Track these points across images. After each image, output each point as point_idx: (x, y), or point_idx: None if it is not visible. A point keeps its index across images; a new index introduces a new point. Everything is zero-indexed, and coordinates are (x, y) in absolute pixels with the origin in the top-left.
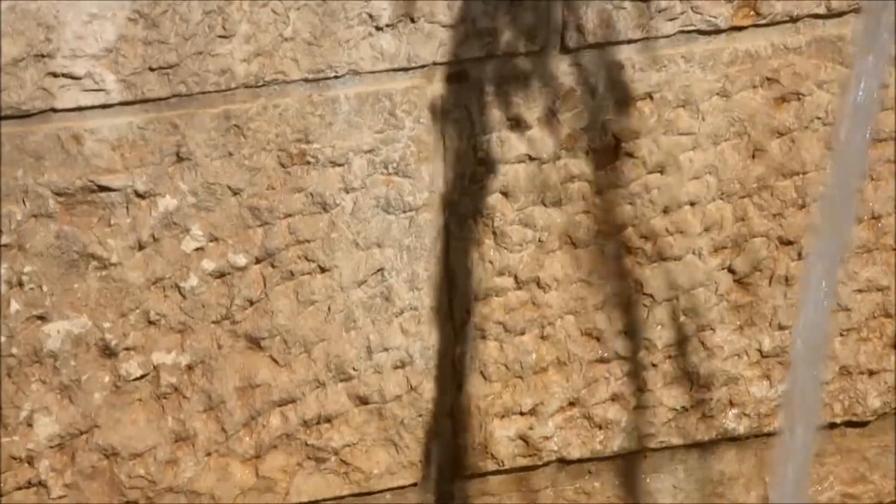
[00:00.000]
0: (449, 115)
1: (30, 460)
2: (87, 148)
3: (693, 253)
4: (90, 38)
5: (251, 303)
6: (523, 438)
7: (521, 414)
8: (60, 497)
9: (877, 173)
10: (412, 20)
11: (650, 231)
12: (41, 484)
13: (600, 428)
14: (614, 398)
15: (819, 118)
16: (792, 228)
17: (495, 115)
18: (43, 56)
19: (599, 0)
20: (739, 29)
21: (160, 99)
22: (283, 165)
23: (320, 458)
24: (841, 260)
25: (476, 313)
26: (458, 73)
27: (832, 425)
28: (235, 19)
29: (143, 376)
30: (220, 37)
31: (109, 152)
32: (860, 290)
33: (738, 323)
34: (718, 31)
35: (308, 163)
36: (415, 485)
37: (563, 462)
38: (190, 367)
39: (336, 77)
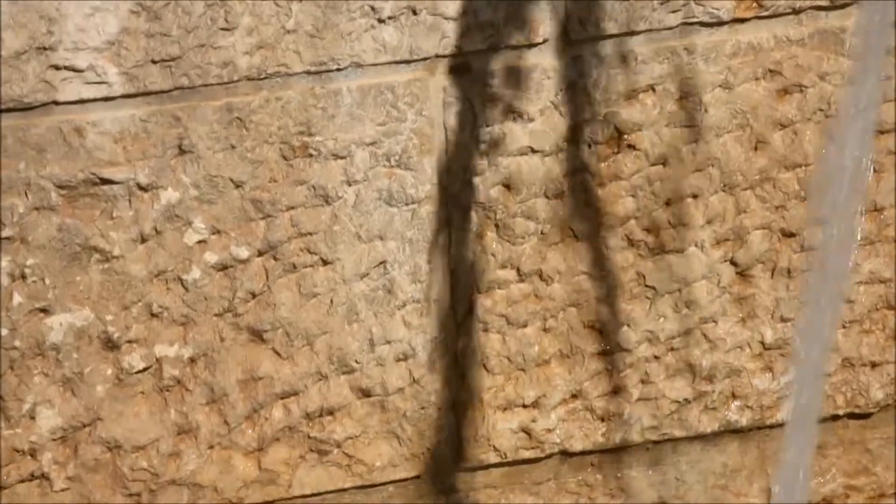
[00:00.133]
0: (451, 107)
1: (32, 453)
2: (89, 140)
3: (695, 245)
4: (92, 31)
5: (253, 295)
6: (526, 431)
7: (524, 406)
8: (63, 490)
9: (879, 165)
10: (414, 12)
11: (653, 223)
12: (44, 476)
13: (603, 420)
14: (617, 390)
15: (821, 110)
16: (794, 220)
17: (497, 107)
18: (45, 49)
19: None
20: (742, 21)
21: (162, 91)
22: (285, 158)
23: (323, 450)
24: (847, 253)
25: (478, 306)
26: (461, 66)
27: (835, 417)
28: (238, 12)
29: (145, 369)
30: (222, 29)
31: (112, 145)
32: (863, 282)
33: (741, 315)
34: (721, 23)
35: (310, 155)
36: (417, 477)
37: (566, 454)
38: (192, 360)
39: (338, 69)
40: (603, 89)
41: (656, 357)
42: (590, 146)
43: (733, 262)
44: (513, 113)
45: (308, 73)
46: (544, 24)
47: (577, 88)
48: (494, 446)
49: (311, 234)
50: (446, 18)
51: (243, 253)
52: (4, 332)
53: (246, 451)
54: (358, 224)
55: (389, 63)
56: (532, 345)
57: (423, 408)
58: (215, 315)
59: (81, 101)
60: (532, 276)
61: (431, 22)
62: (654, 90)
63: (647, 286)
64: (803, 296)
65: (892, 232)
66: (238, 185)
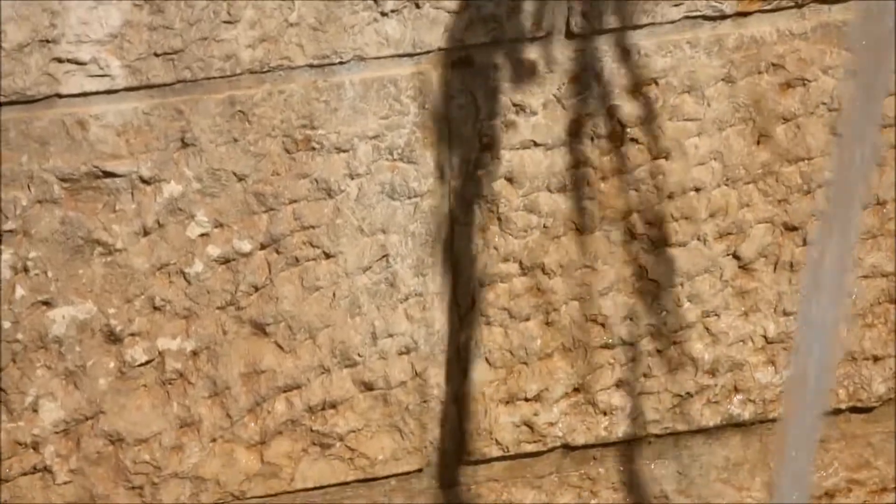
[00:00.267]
0: (454, 100)
1: (35, 446)
2: (91, 133)
3: (698, 239)
4: (95, 24)
5: (256, 289)
6: (528, 424)
7: (526, 400)
8: (65, 483)
9: (881, 159)
10: (417, 6)
11: (655, 217)
12: (46, 469)
13: (605, 414)
14: (619, 384)
15: (824, 104)
16: (797, 214)
17: (500, 100)
18: (48, 41)
19: None
20: (745, 14)
21: (165, 85)
22: (288, 151)
23: (325, 443)
24: (850, 247)
25: (481, 299)
26: (464, 59)
27: (837, 411)
28: (240, 4)
29: (148, 362)
30: (224, 22)
31: (114, 138)
32: (865, 276)
33: (743, 309)
34: (724, 17)
35: (313, 149)
36: (420, 471)
37: (568, 448)
38: (195, 353)
39: (341, 63)
40: (606, 83)
41: (659, 351)
42: (592, 140)
43: (736, 256)
44: (515, 106)
45: (311, 66)
46: (547, 17)
47: (579, 82)
48: (496, 440)
49: (313, 227)
50: (449, 12)
51: (246, 246)
52: (7, 324)
53: (248, 445)
54: (360, 217)
55: (392, 56)
56: (534, 338)
57: (425, 401)
58: (218, 308)
59: (84, 94)
60: (534, 269)
61: (434, 15)
62: (656, 84)
63: (649, 280)
64: (805, 290)
65: (893, 226)
66: (241, 179)
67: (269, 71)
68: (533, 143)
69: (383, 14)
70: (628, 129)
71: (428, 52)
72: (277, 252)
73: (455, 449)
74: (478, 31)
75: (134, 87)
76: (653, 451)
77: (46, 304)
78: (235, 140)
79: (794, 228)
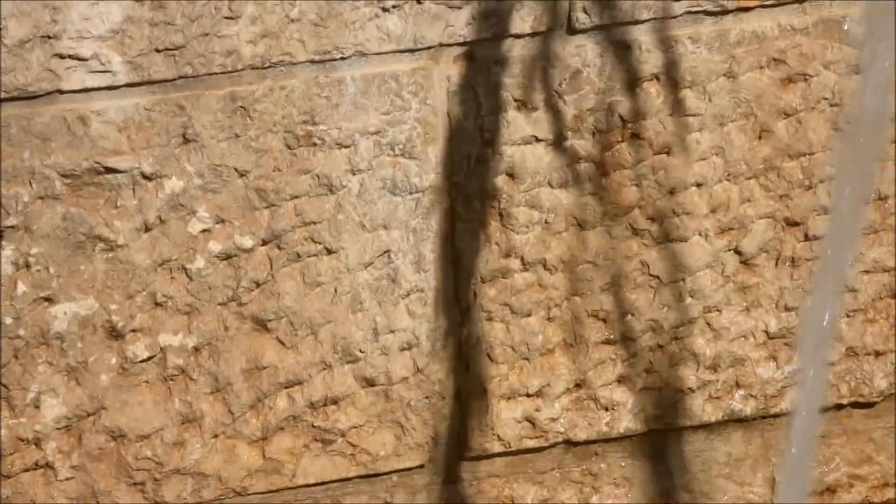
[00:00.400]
0: (455, 96)
1: (37, 442)
2: (93, 129)
3: (699, 234)
4: (96, 20)
5: (257, 284)
6: (529, 420)
7: (528, 396)
8: (67, 479)
9: (883, 154)
10: (418, 1)
11: (657, 212)
12: (48, 465)
13: (606, 409)
14: (621, 380)
15: (826, 99)
16: (798, 209)
17: (502, 96)
18: (49, 37)
19: None
20: (746, 10)
21: (166, 80)
22: (289, 147)
23: (327, 439)
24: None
25: (482, 295)
26: (465, 55)
27: (838, 406)
28: (241, 0)
29: (149, 358)
30: (226, 18)
31: (116, 134)
32: (866, 271)
33: (745, 304)
34: (725, 12)
35: (314, 144)
36: (421, 466)
37: (570, 444)
38: (196, 349)
39: (342, 58)
40: (607, 78)
41: (660, 346)
42: (594, 135)
43: (737, 251)
44: (517, 102)
45: (312, 62)
46: (548, 12)
47: (581, 77)
48: (498, 435)
49: (315, 223)
50: (450, 7)
51: (247, 242)
52: (9, 320)
53: (250, 441)
54: (362, 213)
55: (393, 52)
56: (536, 334)
57: (427, 397)
58: (219, 304)
59: (85, 90)
60: (536, 265)
61: (435, 11)
62: (658, 79)
63: (650, 275)
64: (807, 285)
65: (894, 221)
66: (242, 175)
67: (270, 67)
68: (534, 138)
69: (384, 10)
70: (630, 125)
71: (429, 48)
72: (279, 248)
73: (456, 445)
74: (479, 27)
75: (135, 82)
76: (654, 447)
77: (48, 300)
78: (237, 136)
79: (795, 223)
